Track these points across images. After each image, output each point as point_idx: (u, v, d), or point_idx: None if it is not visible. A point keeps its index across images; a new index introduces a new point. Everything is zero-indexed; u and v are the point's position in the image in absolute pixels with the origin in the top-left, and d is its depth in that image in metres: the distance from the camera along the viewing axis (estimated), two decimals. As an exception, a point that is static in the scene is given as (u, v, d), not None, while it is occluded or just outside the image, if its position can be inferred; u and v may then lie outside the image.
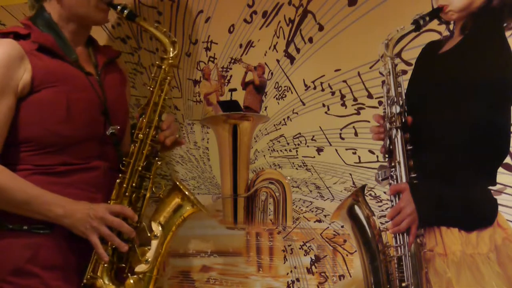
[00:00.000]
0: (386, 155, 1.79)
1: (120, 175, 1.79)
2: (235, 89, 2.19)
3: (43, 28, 1.78)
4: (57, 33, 1.79)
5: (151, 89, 1.83)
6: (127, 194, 1.77)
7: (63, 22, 1.81)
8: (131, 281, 1.73)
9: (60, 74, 1.75)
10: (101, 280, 1.72)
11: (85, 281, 1.72)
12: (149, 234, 1.77)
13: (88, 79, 1.80)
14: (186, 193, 1.82)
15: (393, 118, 1.77)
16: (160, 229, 1.78)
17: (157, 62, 1.85)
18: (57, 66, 1.75)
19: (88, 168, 1.77)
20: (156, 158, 1.82)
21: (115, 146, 1.84)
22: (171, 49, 1.83)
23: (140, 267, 1.74)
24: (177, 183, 1.83)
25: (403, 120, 1.77)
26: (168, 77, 1.83)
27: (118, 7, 1.82)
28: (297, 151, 2.09)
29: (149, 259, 1.74)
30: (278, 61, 2.11)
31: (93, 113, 1.79)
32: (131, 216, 1.74)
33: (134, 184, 1.78)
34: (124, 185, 1.77)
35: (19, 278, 1.68)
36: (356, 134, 1.99)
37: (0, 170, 1.67)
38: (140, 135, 1.79)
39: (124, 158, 1.81)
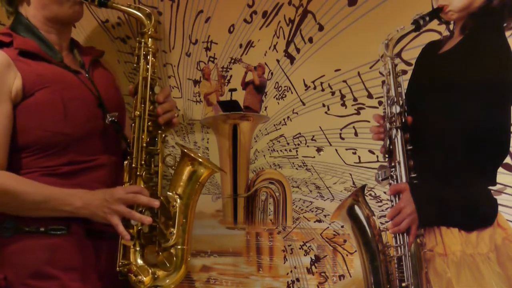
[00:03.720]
0: (386, 155, 1.79)
1: (128, 157, 1.77)
2: (235, 89, 2.19)
3: (24, 34, 1.78)
4: (39, 37, 1.79)
5: (136, 65, 1.82)
6: (138, 173, 1.75)
7: (41, 24, 1.80)
8: (163, 258, 1.73)
9: (50, 75, 1.74)
10: (134, 265, 1.70)
11: (118, 269, 1.71)
12: (167, 207, 1.75)
13: (78, 77, 1.80)
14: (196, 157, 1.78)
15: (393, 118, 1.77)
16: (178, 199, 1.76)
17: (137, 38, 1.84)
18: (44, 68, 1.75)
19: (94, 166, 1.77)
20: (159, 131, 1.80)
21: (118, 133, 1.82)
22: (148, 22, 1.82)
23: (166, 241, 1.73)
24: (185, 150, 1.80)
25: (403, 120, 1.77)
26: (151, 50, 1.81)
27: None
28: (297, 151, 2.09)
29: (173, 231, 1.72)
30: (278, 61, 2.11)
31: (89, 108, 1.78)
32: (146, 195, 1.71)
33: (143, 162, 1.75)
34: (134, 165, 1.75)
35: (38, 281, 1.67)
36: (356, 134, 1.99)
37: (9, 176, 1.67)
38: (137, 112, 1.77)
39: (128, 140, 1.80)
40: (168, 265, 1.73)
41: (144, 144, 1.76)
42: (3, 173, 1.67)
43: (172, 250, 1.74)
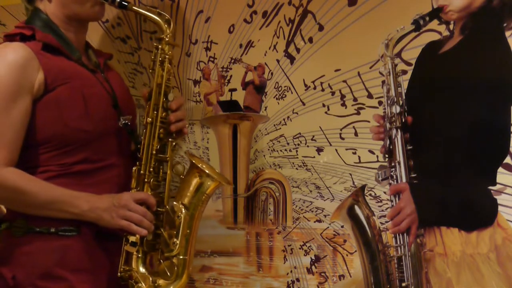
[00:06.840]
0: (386, 155, 1.79)
1: (137, 162, 1.76)
2: (235, 89, 2.19)
3: (43, 29, 1.78)
4: (57, 33, 1.79)
5: (151, 71, 1.81)
6: (146, 180, 1.74)
7: (60, 22, 1.80)
8: (164, 266, 1.72)
9: (70, 71, 1.75)
10: (136, 271, 1.70)
11: (119, 274, 1.70)
12: (172, 216, 1.74)
13: (95, 76, 1.81)
14: (204, 168, 1.77)
15: (393, 118, 1.77)
16: (183, 209, 1.75)
17: (154, 44, 1.83)
18: (65, 63, 1.75)
19: (107, 166, 1.77)
20: (170, 139, 1.79)
21: (131, 135, 1.82)
22: (166, 28, 1.81)
23: (169, 251, 1.73)
24: (193, 161, 1.79)
25: (403, 120, 1.77)
26: (167, 56, 1.80)
27: None
28: (297, 151, 2.09)
29: (176, 241, 1.72)
30: (278, 61, 2.11)
31: (106, 107, 1.78)
32: (152, 204, 1.71)
33: (151, 169, 1.74)
34: (142, 172, 1.74)
35: (48, 282, 1.66)
36: (356, 134, 1.99)
37: (19, 173, 1.67)
38: (149, 119, 1.76)
39: (139, 146, 1.79)
40: (169, 274, 1.73)
41: (154, 151, 1.75)
42: (14, 170, 1.67)
43: (174, 260, 1.73)
